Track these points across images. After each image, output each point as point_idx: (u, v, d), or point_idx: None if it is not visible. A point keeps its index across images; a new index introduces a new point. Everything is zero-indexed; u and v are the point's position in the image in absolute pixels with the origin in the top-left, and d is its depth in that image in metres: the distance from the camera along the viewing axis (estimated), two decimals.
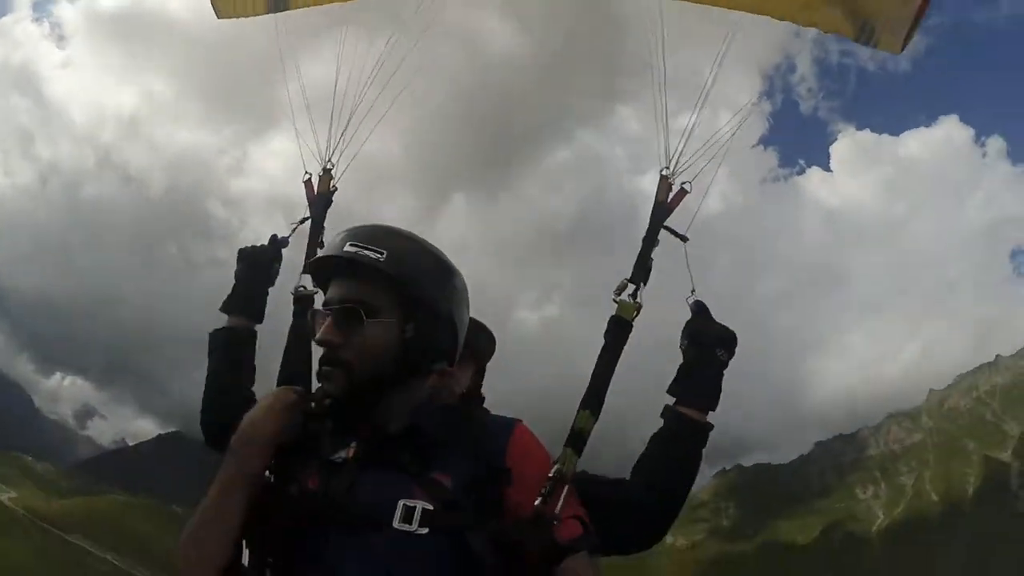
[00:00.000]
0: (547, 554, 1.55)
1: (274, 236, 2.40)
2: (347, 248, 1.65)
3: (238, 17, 2.92)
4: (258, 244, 2.39)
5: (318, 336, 1.65)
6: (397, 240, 1.68)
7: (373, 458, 1.61)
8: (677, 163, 2.22)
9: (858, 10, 2.50)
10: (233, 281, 2.35)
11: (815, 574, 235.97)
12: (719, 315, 2.18)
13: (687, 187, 2.21)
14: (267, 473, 1.66)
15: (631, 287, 2.10)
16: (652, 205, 2.20)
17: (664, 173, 2.21)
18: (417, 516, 1.51)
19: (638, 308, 2.07)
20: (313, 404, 1.71)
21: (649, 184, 2.26)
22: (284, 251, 2.40)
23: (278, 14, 2.78)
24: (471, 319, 2.18)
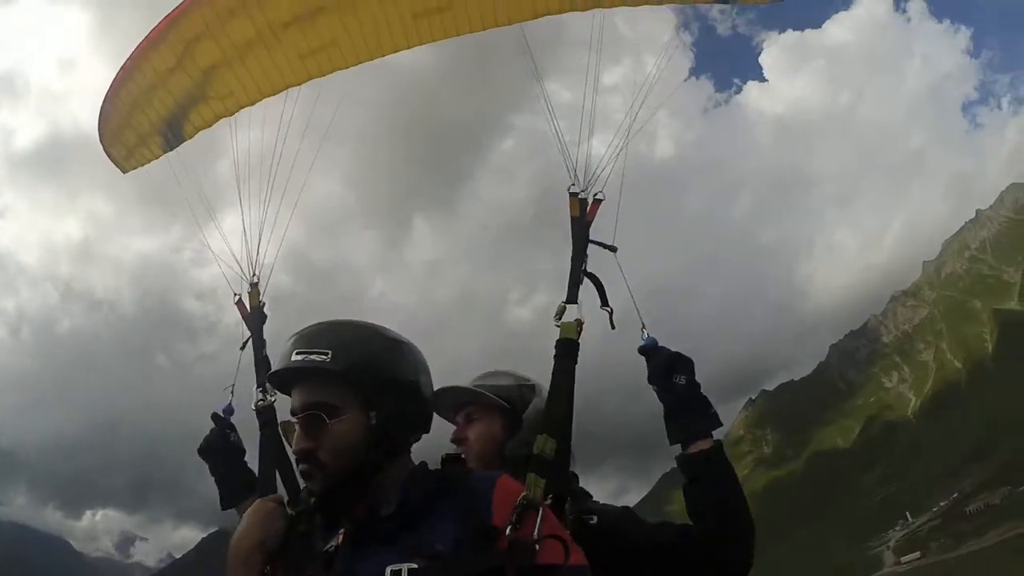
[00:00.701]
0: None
1: (215, 414, 2.52)
2: (294, 358, 1.71)
3: (142, 166, 3.06)
4: (207, 434, 2.51)
5: (293, 447, 1.73)
6: (340, 334, 1.74)
7: (363, 539, 1.68)
8: (584, 177, 2.26)
9: None
10: (214, 478, 2.48)
11: (867, 470, 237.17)
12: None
13: (600, 196, 2.26)
14: None
15: (570, 308, 2.15)
16: (569, 224, 2.24)
17: (572, 190, 2.26)
18: None
19: (580, 325, 2.12)
20: (297, 507, 1.82)
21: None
22: (235, 396, 2.52)
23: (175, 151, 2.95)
24: (482, 386, 2.34)
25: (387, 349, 1.77)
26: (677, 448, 2.14)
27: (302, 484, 1.79)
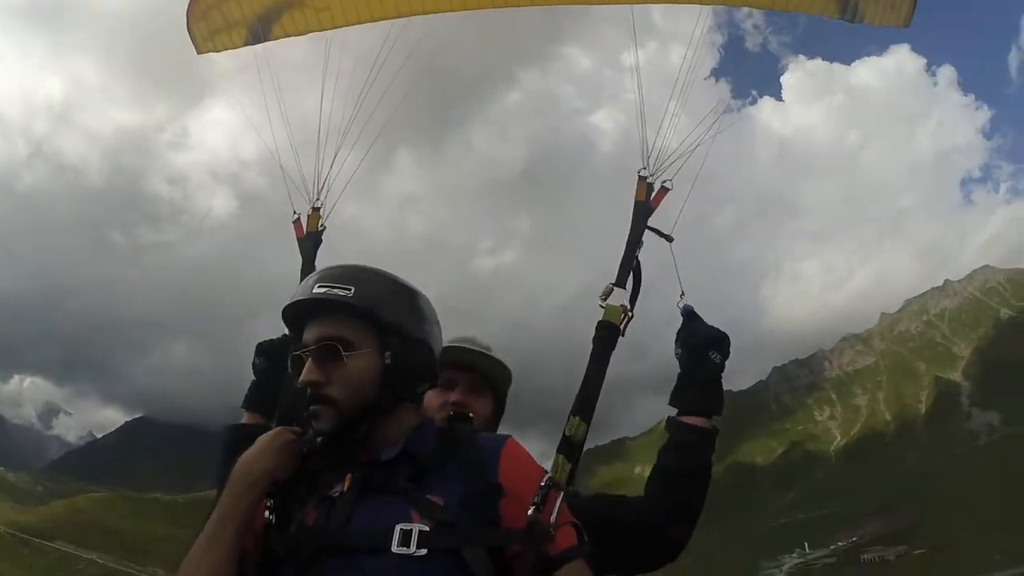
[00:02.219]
0: (544, 563, 1.58)
1: (286, 336, 2.30)
2: (316, 290, 1.70)
3: (218, 51, 2.95)
4: (276, 338, 2.38)
5: (301, 378, 1.69)
6: (362, 275, 1.74)
7: (369, 487, 1.65)
8: (656, 162, 2.20)
9: None
10: (253, 376, 2.38)
11: (778, 492, 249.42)
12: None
13: (668, 185, 2.20)
14: (268, 515, 1.69)
15: (616, 291, 2.09)
16: (632, 207, 2.20)
17: (643, 174, 2.20)
18: (414, 539, 1.54)
19: (625, 312, 2.06)
20: (305, 444, 1.75)
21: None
22: None
23: (259, 46, 2.83)
24: (487, 355, 2.36)
25: (406, 296, 1.78)
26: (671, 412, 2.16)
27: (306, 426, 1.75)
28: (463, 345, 2.39)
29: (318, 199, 2.42)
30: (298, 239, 2.40)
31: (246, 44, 2.86)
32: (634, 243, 2.14)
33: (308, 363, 1.68)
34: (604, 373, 1.99)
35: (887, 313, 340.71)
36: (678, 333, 2.18)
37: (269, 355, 2.35)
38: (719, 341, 2.14)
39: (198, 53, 2.98)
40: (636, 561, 2.09)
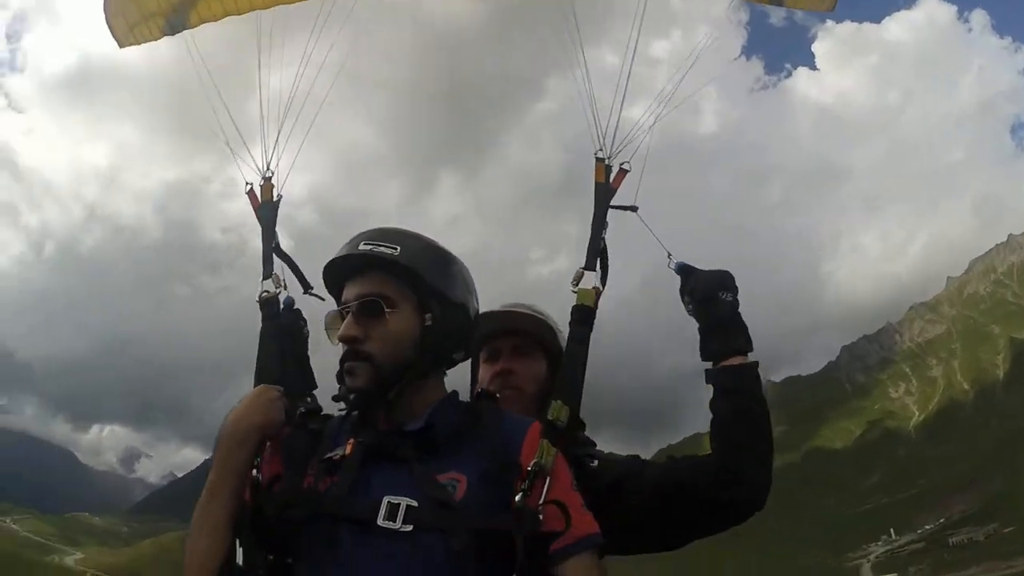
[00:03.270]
0: (534, 546, 1.55)
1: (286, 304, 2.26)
2: (362, 247, 1.70)
3: (139, 44, 2.97)
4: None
5: (340, 333, 1.68)
6: (406, 237, 1.75)
7: (374, 454, 1.62)
8: (612, 144, 2.21)
9: None
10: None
11: (860, 476, 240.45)
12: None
13: (627, 167, 2.21)
14: (255, 473, 1.69)
15: (587, 275, 2.08)
16: (593, 189, 2.20)
17: (599, 156, 2.21)
18: (401, 514, 1.51)
19: (598, 293, 2.05)
20: (338, 401, 1.71)
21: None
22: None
23: (186, 32, 2.80)
24: (526, 314, 2.33)
25: (448, 262, 1.78)
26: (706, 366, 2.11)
27: (338, 386, 1.71)
28: (504, 309, 2.39)
29: (268, 169, 2.40)
30: (254, 208, 2.40)
31: (164, 35, 2.87)
32: (598, 225, 2.14)
33: (348, 318, 1.66)
34: (585, 355, 1.95)
35: (953, 276, 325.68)
36: (680, 290, 2.17)
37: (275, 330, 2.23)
38: (723, 279, 2.10)
39: (120, 47, 2.99)
40: (719, 514, 2.02)
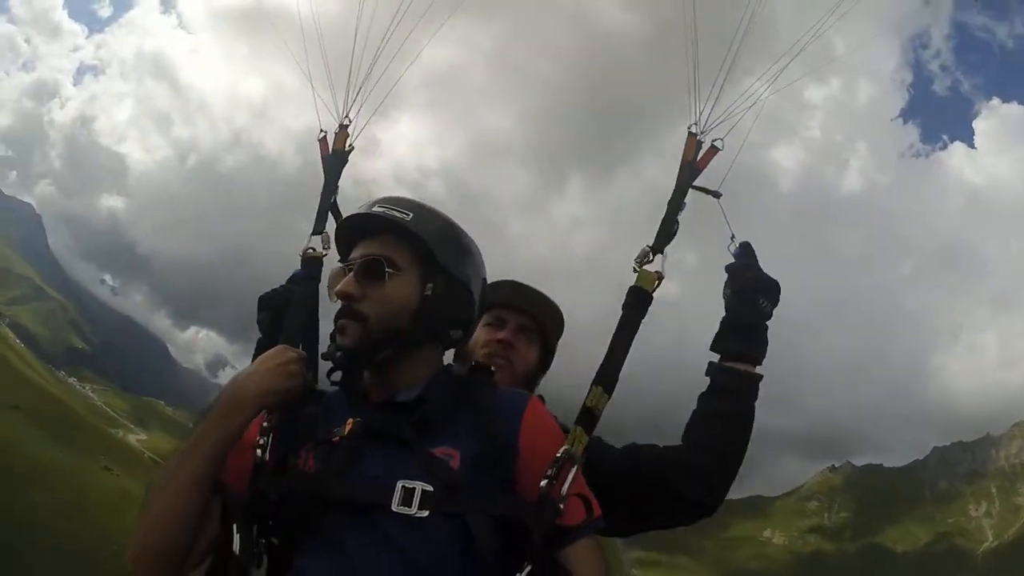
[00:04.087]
0: (551, 536, 1.50)
1: (284, 285, 2.17)
2: (376, 208, 1.66)
3: None
4: (275, 288, 2.16)
5: (337, 289, 1.62)
6: (422, 208, 1.69)
7: (372, 432, 1.54)
8: (707, 120, 2.00)
9: None
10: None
11: None
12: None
13: (718, 144, 2.00)
14: (260, 454, 1.58)
15: (653, 255, 1.90)
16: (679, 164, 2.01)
17: (692, 130, 2.02)
18: (416, 499, 1.44)
19: (660, 278, 1.86)
20: (327, 357, 1.64)
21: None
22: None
23: None
24: (541, 296, 2.33)
25: (461, 240, 1.72)
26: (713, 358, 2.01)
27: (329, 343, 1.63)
28: (519, 284, 2.33)
29: (347, 116, 2.21)
30: (322, 157, 2.20)
31: None
32: (675, 204, 1.95)
33: (348, 276, 1.63)
34: (631, 342, 1.80)
35: None
36: (731, 270, 2.04)
37: (272, 308, 2.08)
38: (769, 287, 2.01)
39: None
40: (673, 510, 2.00)
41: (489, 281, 1.83)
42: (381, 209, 1.65)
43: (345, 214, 1.83)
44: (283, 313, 1.99)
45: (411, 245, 1.64)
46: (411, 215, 1.64)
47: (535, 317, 2.28)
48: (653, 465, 1.97)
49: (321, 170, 2.19)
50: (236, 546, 1.52)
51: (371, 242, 1.67)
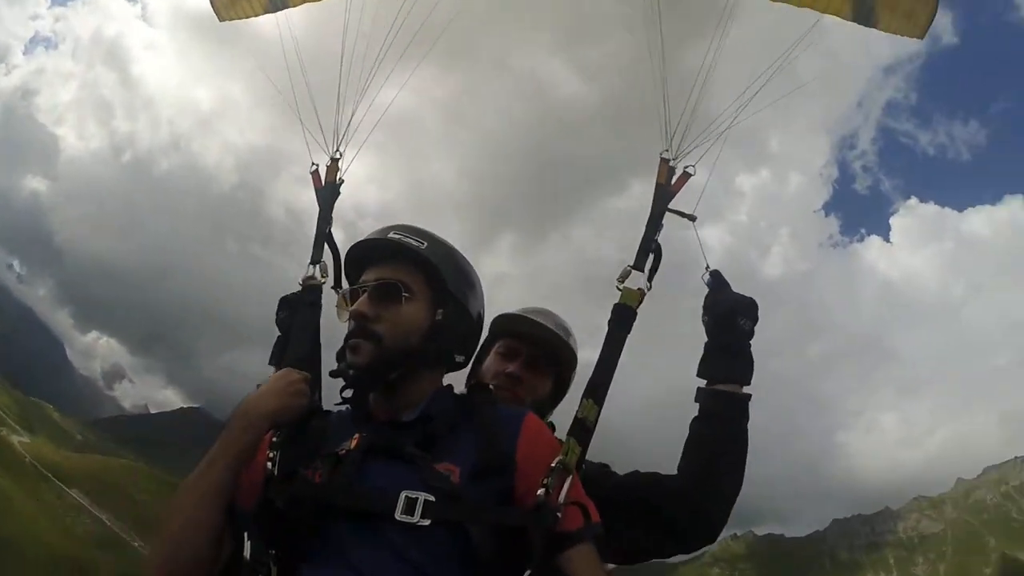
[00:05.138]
0: (549, 544, 1.56)
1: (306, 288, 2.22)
2: (391, 235, 1.76)
3: (239, 19, 2.99)
4: (297, 291, 2.22)
5: (352, 308, 1.70)
6: (434, 238, 1.81)
7: (378, 448, 1.62)
8: (679, 146, 2.15)
9: None
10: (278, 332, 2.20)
11: None
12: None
13: (691, 170, 2.14)
14: (270, 466, 1.66)
15: (635, 274, 2.02)
16: (653, 188, 2.14)
17: (665, 156, 2.15)
18: (419, 508, 1.51)
19: (642, 295, 1.98)
20: (335, 375, 1.73)
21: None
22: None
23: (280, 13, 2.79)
24: (570, 343, 2.36)
25: (469, 272, 1.85)
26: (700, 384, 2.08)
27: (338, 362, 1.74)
28: (534, 317, 2.35)
29: (337, 151, 2.35)
30: (316, 190, 2.35)
31: (266, 12, 2.84)
32: (653, 225, 2.08)
33: (362, 297, 1.72)
34: (618, 356, 1.91)
35: (964, 479, 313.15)
36: (705, 300, 2.14)
37: (292, 308, 2.16)
38: (748, 306, 2.09)
39: (220, 21, 2.98)
40: (673, 540, 2.03)
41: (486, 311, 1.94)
42: (397, 236, 1.76)
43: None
44: (313, 315, 2.08)
45: (423, 272, 1.75)
46: (425, 244, 1.75)
47: (550, 351, 2.30)
48: (647, 491, 2.01)
49: (315, 201, 2.33)
50: (247, 552, 1.60)
51: (384, 267, 1.76)
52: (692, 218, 2.13)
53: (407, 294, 1.71)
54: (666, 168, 2.14)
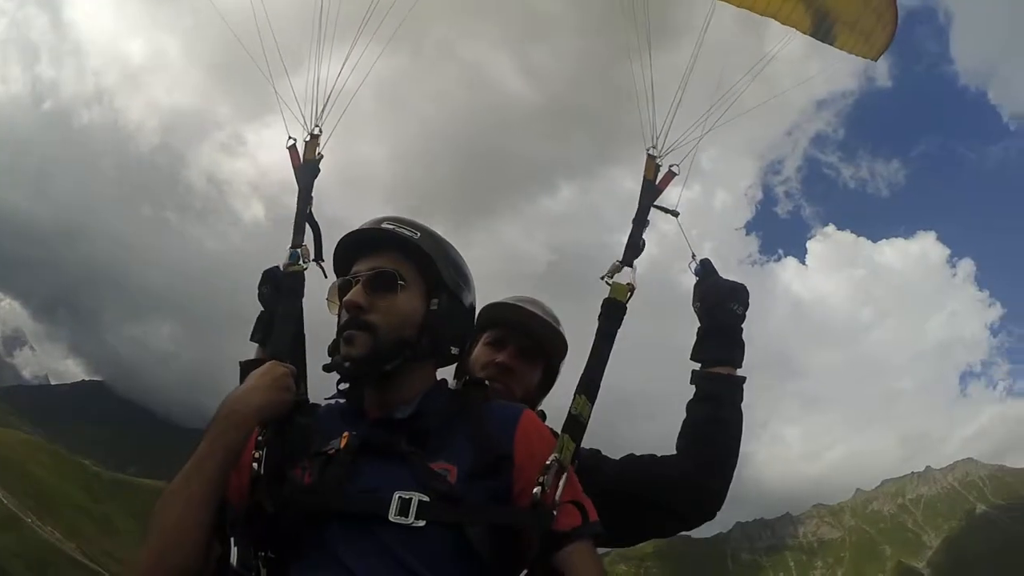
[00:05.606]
0: (546, 542, 1.54)
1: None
2: (384, 226, 1.72)
3: None
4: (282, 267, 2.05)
5: (346, 299, 1.66)
6: (428, 229, 1.76)
7: (368, 447, 1.57)
8: (664, 144, 2.16)
9: (820, 8, 2.49)
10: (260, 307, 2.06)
11: None
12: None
13: (675, 170, 2.16)
14: (256, 467, 1.60)
15: (623, 268, 2.01)
16: (640, 184, 2.16)
17: (651, 153, 2.15)
18: (413, 509, 1.47)
19: (631, 290, 1.96)
20: (330, 368, 1.69)
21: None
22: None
23: None
24: (548, 322, 2.31)
25: (461, 264, 1.81)
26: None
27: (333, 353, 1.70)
28: (523, 305, 2.31)
29: (316, 125, 2.18)
30: (294, 167, 2.17)
31: None
32: (640, 221, 2.08)
33: (356, 287, 1.66)
34: (609, 351, 1.89)
35: (863, 490, 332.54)
36: (695, 287, 2.19)
37: (276, 283, 2.03)
38: (738, 291, 2.14)
39: None
40: (672, 519, 2.06)
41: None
42: (391, 226, 1.72)
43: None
44: (283, 290, 1.97)
45: (417, 262, 1.71)
46: (419, 234, 1.72)
47: (540, 340, 2.30)
48: (647, 475, 2.04)
49: (294, 179, 2.17)
50: (233, 559, 1.55)
51: (376, 257, 1.71)
52: (675, 213, 2.17)
53: (402, 283, 1.68)
54: (653, 164, 2.15)
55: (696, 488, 1.99)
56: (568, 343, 2.36)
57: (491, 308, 2.30)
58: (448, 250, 1.78)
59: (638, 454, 2.13)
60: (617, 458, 2.12)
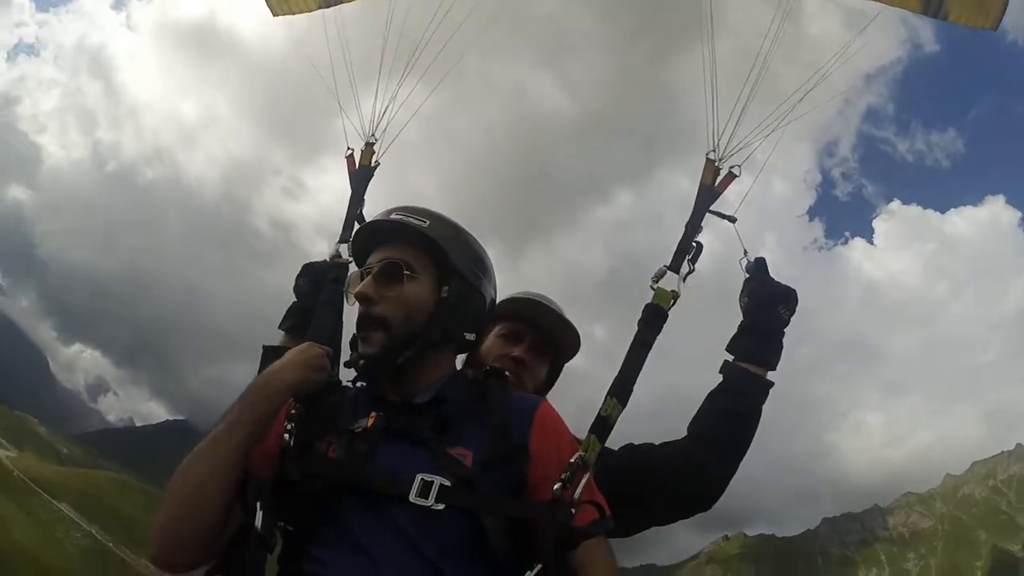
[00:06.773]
0: (563, 539, 1.55)
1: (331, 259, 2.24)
2: (394, 216, 1.76)
3: (292, 14, 2.97)
4: (322, 260, 2.24)
5: (356, 290, 1.72)
6: (438, 216, 1.79)
7: (394, 428, 1.62)
8: (726, 147, 2.12)
9: None
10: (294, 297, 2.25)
11: None
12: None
13: (736, 171, 2.11)
14: (287, 438, 1.65)
15: (669, 275, 1.98)
16: (697, 188, 2.11)
17: (711, 156, 2.12)
18: (434, 492, 1.51)
19: (676, 297, 1.93)
20: (348, 365, 1.74)
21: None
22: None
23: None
24: (560, 314, 2.36)
25: (475, 248, 1.82)
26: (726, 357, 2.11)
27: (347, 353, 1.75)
28: (541, 300, 2.35)
29: (373, 135, 2.38)
30: (349, 173, 2.37)
31: (319, 7, 2.85)
32: (694, 226, 2.05)
33: (367, 278, 1.72)
34: (645, 357, 1.87)
35: (952, 474, 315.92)
36: (745, 283, 2.16)
37: (314, 277, 2.19)
38: (788, 296, 2.12)
39: (273, 16, 2.96)
40: (676, 502, 2.07)
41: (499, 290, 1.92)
42: (399, 216, 1.76)
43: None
44: (322, 285, 2.08)
45: (427, 250, 1.74)
46: (428, 222, 1.75)
47: (555, 336, 2.30)
48: (649, 461, 2.03)
49: (348, 184, 2.35)
50: (259, 522, 1.56)
51: (388, 247, 1.76)
52: (732, 219, 2.12)
53: (408, 272, 1.71)
54: (712, 168, 2.11)
55: (697, 470, 1.98)
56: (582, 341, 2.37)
57: (506, 301, 2.29)
58: (462, 236, 1.79)
59: (637, 443, 2.14)
60: (616, 449, 2.12)
